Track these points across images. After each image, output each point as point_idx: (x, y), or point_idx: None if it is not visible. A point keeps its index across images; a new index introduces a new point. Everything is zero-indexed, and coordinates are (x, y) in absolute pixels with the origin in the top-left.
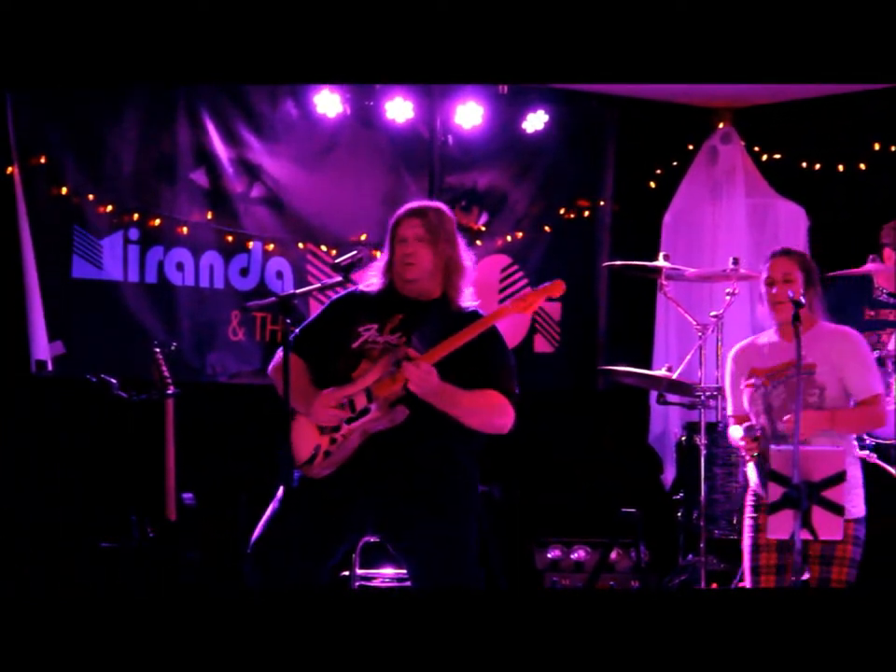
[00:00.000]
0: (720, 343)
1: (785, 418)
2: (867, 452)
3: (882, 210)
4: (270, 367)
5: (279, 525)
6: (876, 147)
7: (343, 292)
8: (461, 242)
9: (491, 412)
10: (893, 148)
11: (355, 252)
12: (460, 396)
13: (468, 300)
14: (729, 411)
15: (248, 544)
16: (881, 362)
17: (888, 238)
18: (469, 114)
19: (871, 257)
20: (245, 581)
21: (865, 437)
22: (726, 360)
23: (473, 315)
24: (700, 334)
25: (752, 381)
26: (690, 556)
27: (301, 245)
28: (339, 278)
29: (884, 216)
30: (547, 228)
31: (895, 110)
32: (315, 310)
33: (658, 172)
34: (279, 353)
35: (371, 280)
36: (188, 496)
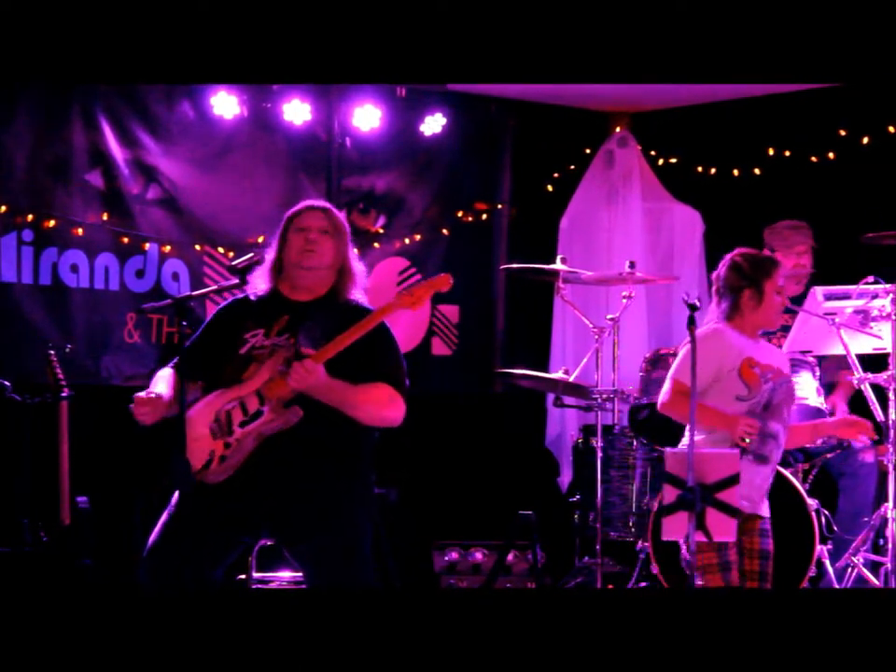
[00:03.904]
0: (616, 346)
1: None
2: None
3: (776, 215)
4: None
5: (173, 529)
6: (771, 152)
7: (227, 301)
8: (353, 248)
9: (381, 405)
10: (787, 153)
11: (251, 254)
12: (349, 391)
13: (356, 296)
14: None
15: (143, 548)
16: None
17: (767, 240)
18: (367, 116)
19: None
20: (139, 586)
21: None
22: (709, 336)
23: (360, 309)
24: (597, 337)
25: (757, 370)
26: (586, 558)
27: (197, 247)
28: (235, 280)
29: (777, 220)
30: (445, 231)
31: (789, 116)
32: (212, 312)
33: (555, 175)
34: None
35: (257, 284)
36: (82, 499)
